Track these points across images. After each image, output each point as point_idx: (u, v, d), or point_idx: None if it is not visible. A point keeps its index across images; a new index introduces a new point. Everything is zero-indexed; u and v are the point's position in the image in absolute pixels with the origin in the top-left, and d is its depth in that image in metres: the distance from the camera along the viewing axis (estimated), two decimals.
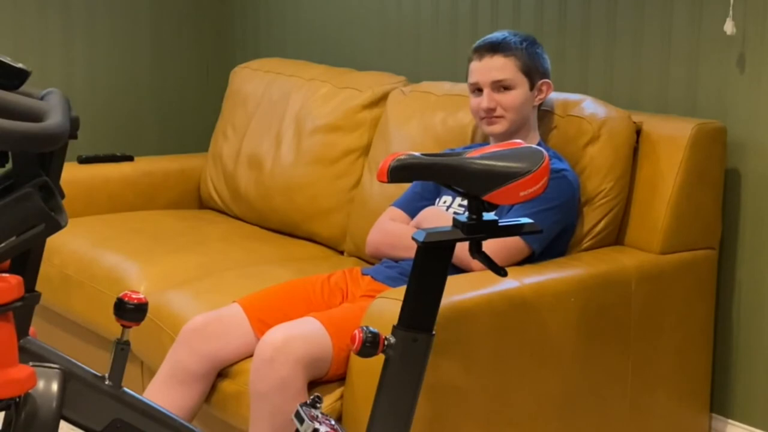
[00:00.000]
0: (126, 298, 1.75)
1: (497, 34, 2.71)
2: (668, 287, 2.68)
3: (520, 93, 2.65)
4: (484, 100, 2.65)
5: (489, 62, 2.66)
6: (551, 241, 2.56)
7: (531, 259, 2.54)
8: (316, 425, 1.92)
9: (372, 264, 2.89)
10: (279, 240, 3.40)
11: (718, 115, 2.77)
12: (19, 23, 3.97)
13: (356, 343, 1.87)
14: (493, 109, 2.65)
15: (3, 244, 1.40)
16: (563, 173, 2.57)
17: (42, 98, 1.44)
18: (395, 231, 2.71)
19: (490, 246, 2.41)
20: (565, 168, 2.60)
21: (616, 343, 2.59)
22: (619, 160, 2.68)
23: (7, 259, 1.45)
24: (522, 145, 1.92)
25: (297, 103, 3.49)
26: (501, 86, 2.65)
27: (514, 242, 2.48)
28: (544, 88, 2.70)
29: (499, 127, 2.66)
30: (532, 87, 2.67)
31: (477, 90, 2.69)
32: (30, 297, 1.56)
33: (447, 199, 2.70)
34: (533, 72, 2.67)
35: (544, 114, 2.78)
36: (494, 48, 2.67)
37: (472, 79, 2.70)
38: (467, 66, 2.72)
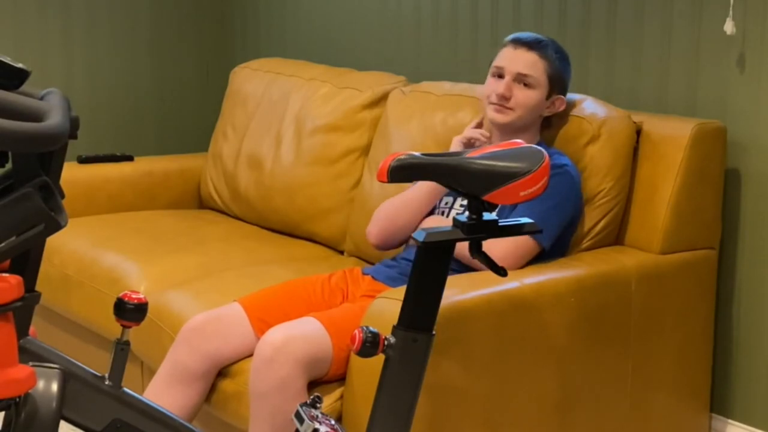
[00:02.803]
0: (126, 298, 1.75)
1: (539, 35, 2.71)
2: (668, 287, 2.68)
3: (537, 95, 2.65)
4: (501, 86, 2.65)
5: (523, 54, 2.66)
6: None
7: (540, 256, 2.54)
8: (316, 425, 1.92)
9: (372, 264, 2.89)
10: (279, 240, 3.40)
11: (718, 115, 2.77)
12: (19, 23, 3.97)
13: (356, 343, 1.87)
14: (508, 99, 2.64)
15: (3, 244, 1.40)
16: (565, 168, 2.58)
17: (42, 98, 1.44)
18: (386, 205, 2.74)
19: (502, 247, 2.41)
20: (567, 163, 2.61)
21: (616, 343, 2.59)
22: (619, 159, 2.68)
23: (7, 259, 1.45)
24: (522, 145, 1.92)
25: (297, 103, 3.49)
26: (523, 81, 2.65)
27: (525, 241, 2.48)
28: (557, 102, 2.70)
29: (504, 118, 2.65)
30: (549, 96, 2.67)
31: (498, 75, 2.69)
32: (30, 297, 1.56)
33: (448, 200, 2.70)
34: (556, 82, 2.67)
35: None
36: (532, 45, 2.67)
37: (498, 62, 2.68)
38: (495, 52, 2.71)
